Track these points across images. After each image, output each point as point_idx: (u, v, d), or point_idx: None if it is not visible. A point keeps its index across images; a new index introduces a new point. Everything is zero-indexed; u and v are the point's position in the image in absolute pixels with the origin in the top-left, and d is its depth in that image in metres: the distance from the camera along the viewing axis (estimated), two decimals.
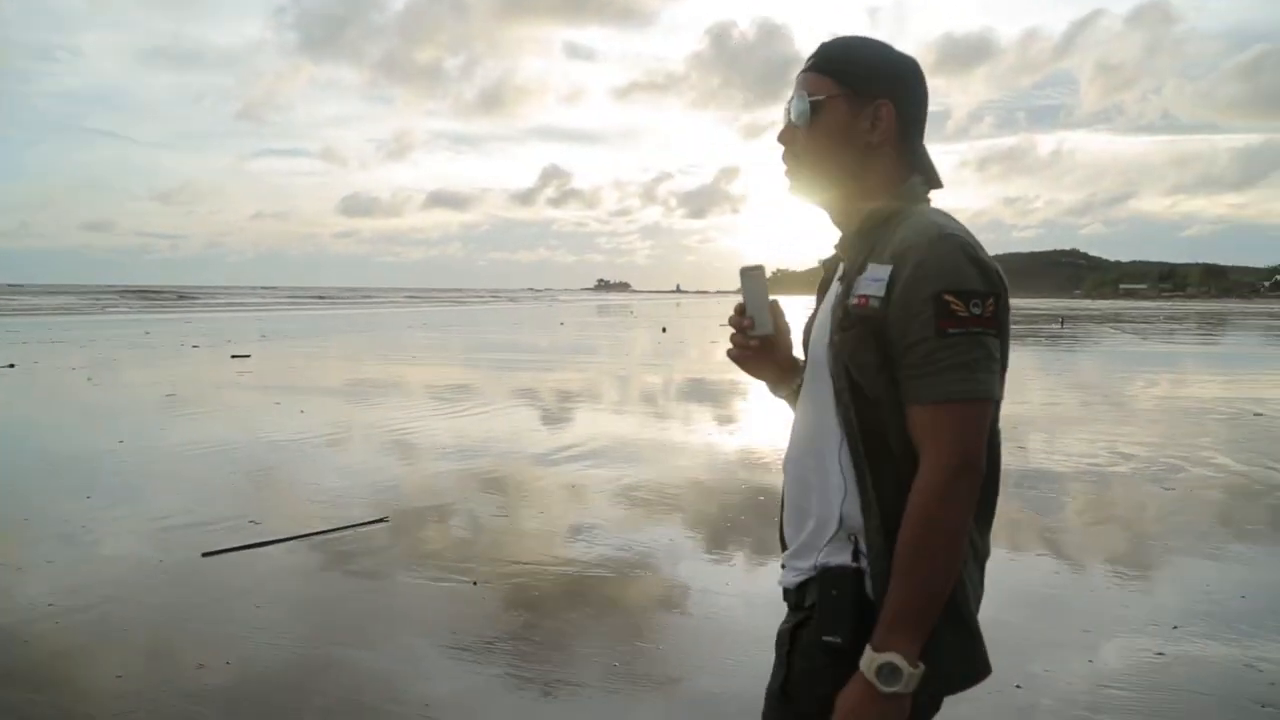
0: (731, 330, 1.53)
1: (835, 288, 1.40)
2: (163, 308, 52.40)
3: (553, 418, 10.33)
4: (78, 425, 9.54)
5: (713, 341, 26.01)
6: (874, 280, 1.27)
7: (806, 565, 1.35)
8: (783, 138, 1.44)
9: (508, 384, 13.98)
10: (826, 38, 1.47)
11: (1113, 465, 7.65)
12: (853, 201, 1.40)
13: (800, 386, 1.48)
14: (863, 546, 1.28)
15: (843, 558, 1.30)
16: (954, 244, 1.24)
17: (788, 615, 1.40)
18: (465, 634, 3.94)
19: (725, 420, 10.24)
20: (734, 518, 5.84)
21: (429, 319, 41.52)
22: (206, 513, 5.82)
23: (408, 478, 7.01)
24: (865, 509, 1.28)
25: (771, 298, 1.49)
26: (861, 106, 1.37)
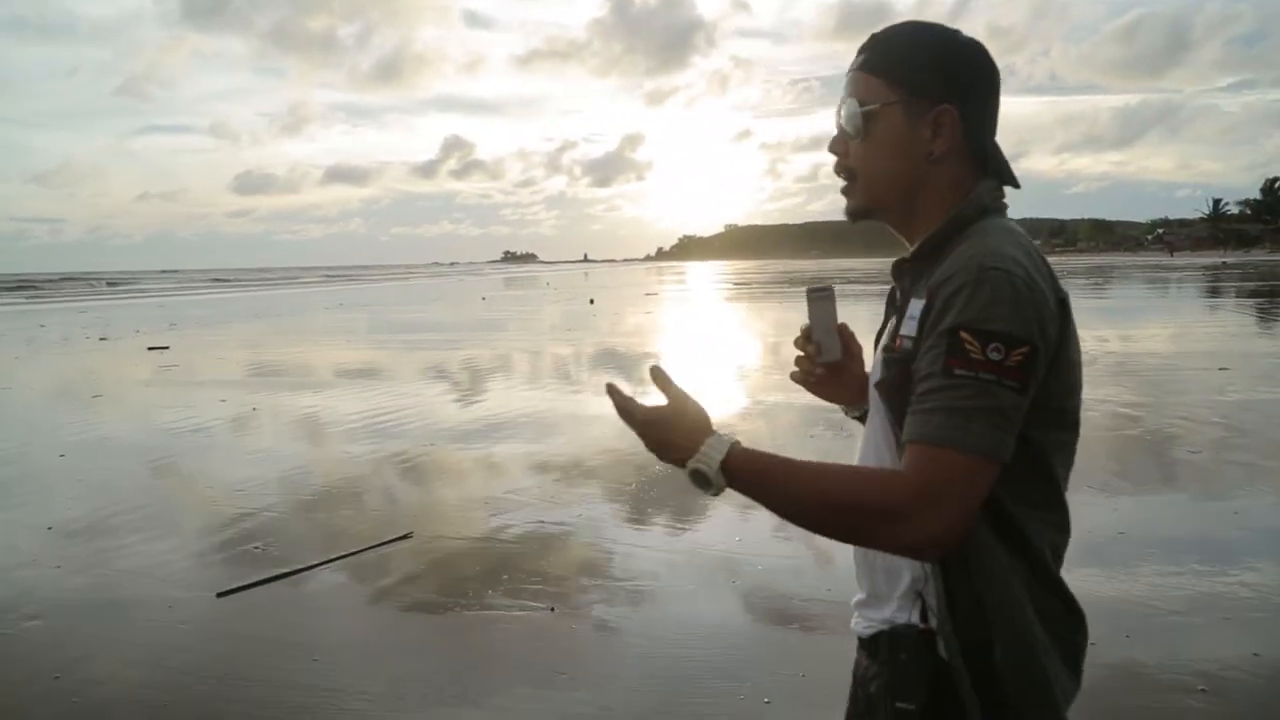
0: (798, 353, 1.43)
1: (891, 320, 1.27)
2: (50, 297, 49.10)
3: (556, 403, 9.70)
4: (2, 438, 8.47)
5: (647, 313, 25.61)
6: (910, 319, 1.17)
7: (878, 618, 1.25)
8: (835, 147, 1.29)
9: (472, 365, 13.26)
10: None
11: None
12: (916, 219, 1.25)
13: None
14: (931, 602, 1.17)
15: (912, 616, 1.20)
16: (996, 278, 1.08)
17: (863, 658, 1.29)
18: (570, 673, 3.40)
19: (734, 378, 9.80)
20: None
21: (342, 298, 39.91)
22: (200, 540, 5.08)
23: (408, 480, 6.35)
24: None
25: (841, 320, 1.38)
26: (920, 113, 1.21)
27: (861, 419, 1.41)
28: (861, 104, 1.23)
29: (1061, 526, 1.20)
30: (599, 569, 4.53)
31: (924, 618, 1.18)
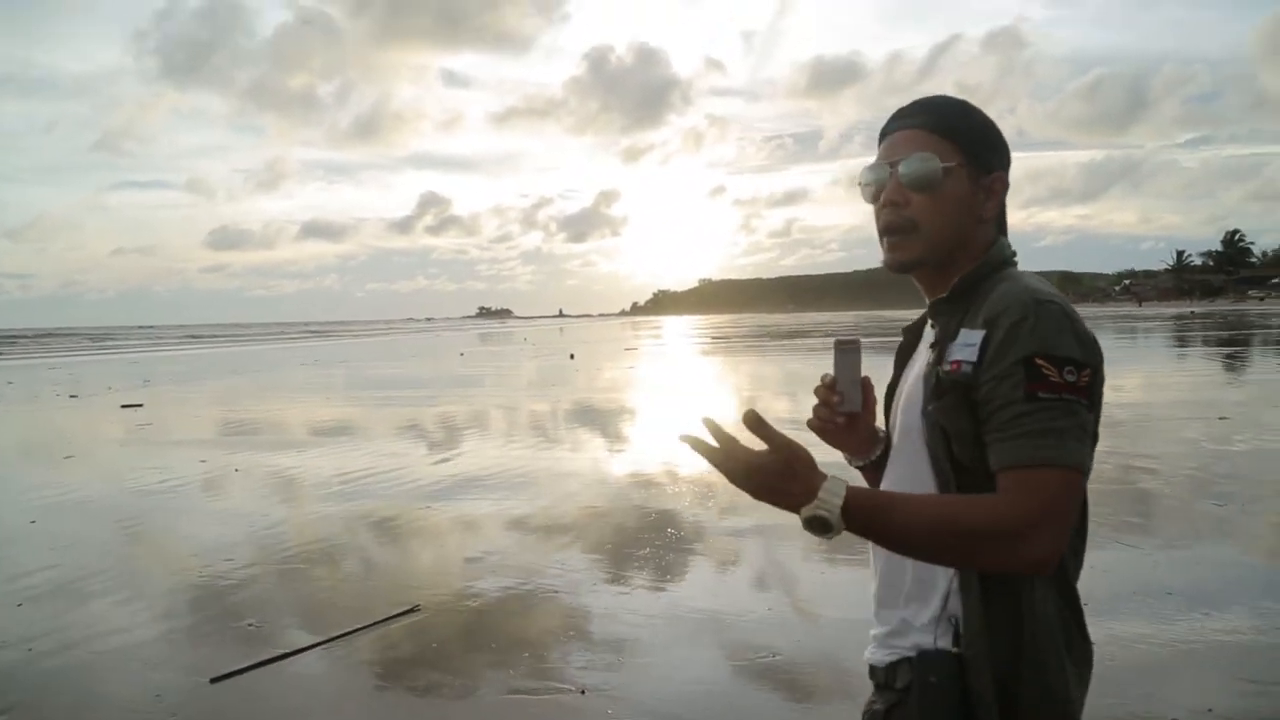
0: (817, 402, 1.45)
1: (926, 355, 1.34)
2: (19, 354, 48.07)
3: (556, 462, 9.34)
4: None
5: (630, 367, 25.37)
6: (967, 345, 1.22)
7: (903, 645, 1.28)
8: (895, 197, 1.32)
9: (461, 423, 12.88)
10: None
11: None
12: (948, 271, 1.33)
13: (879, 457, 1.45)
14: (964, 629, 1.21)
15: (943, 641, 1.23)
16: (1052, 310, 1.17)
17: (876, 694, 1.33)
18: None
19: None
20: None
21: (318, 355, 39.35)
22: (188, 617, 4.68)
23: (409, 547, 5.97)
24: (965, 586, 1.22)
25: (864, 374, 1.42)
26: (978, 177, 1.32)
27: (864, 468, 1.50)
28: (941, 160, 1.29)
29: (1081, 555, 1.28)
30: (629, 643, 4.17)
31: (955, 642, 1.21)
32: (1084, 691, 1.24)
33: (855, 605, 3.71)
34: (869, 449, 1.48)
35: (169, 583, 5.30)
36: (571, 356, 31.41)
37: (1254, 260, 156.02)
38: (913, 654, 1.25)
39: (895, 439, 1.39)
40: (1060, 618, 1.21)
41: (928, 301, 1.39)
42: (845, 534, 1.14)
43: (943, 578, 1.24)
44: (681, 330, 75.35)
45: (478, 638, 4.31)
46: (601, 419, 13.11)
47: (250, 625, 4.49)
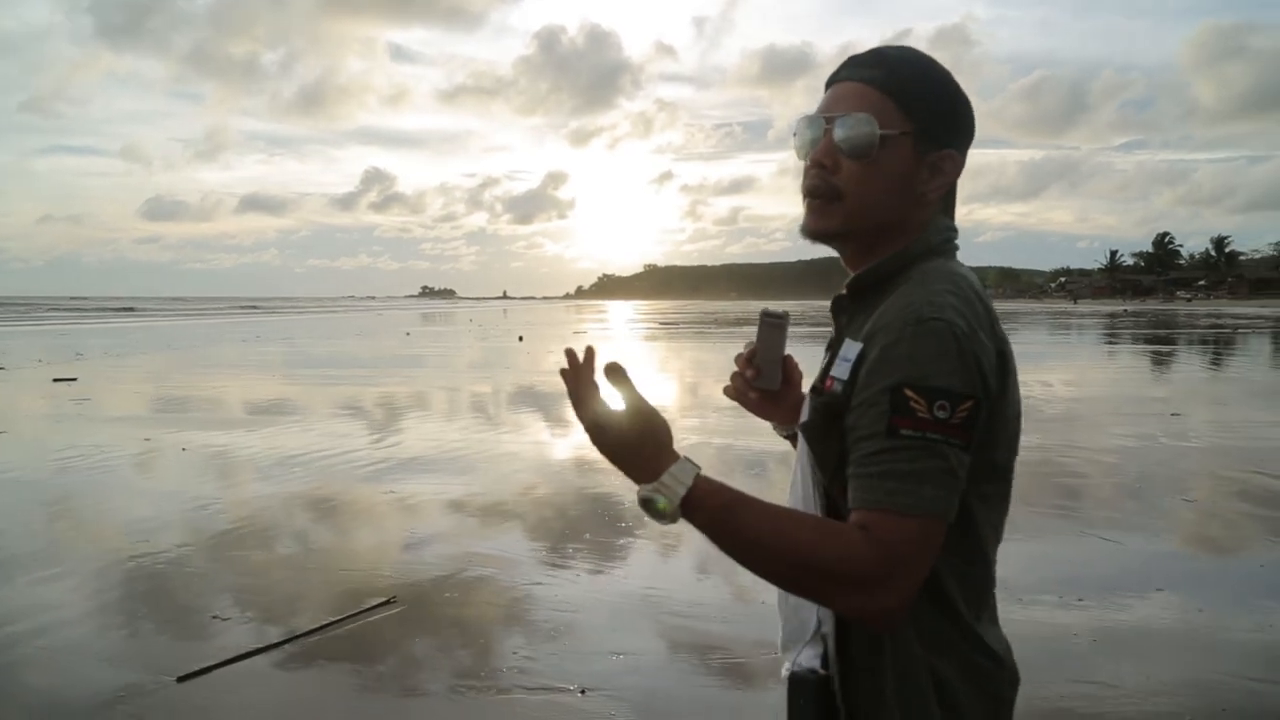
0: (735, 369, 1.35)
1: (825, 357, 1.18)
2: None
3: (509, 444, 9.09)
4: None
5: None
6: (844, 361, 1.10)
7: (789, 660, 1.19)
8: (824, 158, 1.15)
9: (415, 403, 12.54)
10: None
11: None
12: (873, 250, 1.17)
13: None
14: (831, 649, 1.12)
15: (814, 662, 1.15)
16: (937, 329, 1.01)
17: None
18: None
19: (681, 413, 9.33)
20: None
21: (258, 330, 38.31)
22: (149, 609, 4.38)
23: (379, 531, 5.71)
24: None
25: (787, 352, 1.32)
26: (926, 152, 1.14)
27: (791, 439, 1.37)
28: (880, 125, 1.12)
29: (981, 579, 1.14)
30: (628, 636, 4.00)
31: (825, 664, 1.13)
32: (992, 706, 1.13)
33: None
34: (794, 419, 1.32)
35: (122, 571, 4.97)
36: (520, 339, 31.05)
37: (1182, 262, 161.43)
38: (792, 670, 1.18)
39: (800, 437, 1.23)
40: (936, 641, 1.09)
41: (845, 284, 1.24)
42: None
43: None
44: (628, 315, 75.20)
45: (461, 631, 4.11)
46: (548, 401, 12.88)
47: (215, 618, 4.22)
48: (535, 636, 4.01)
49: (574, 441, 9.10)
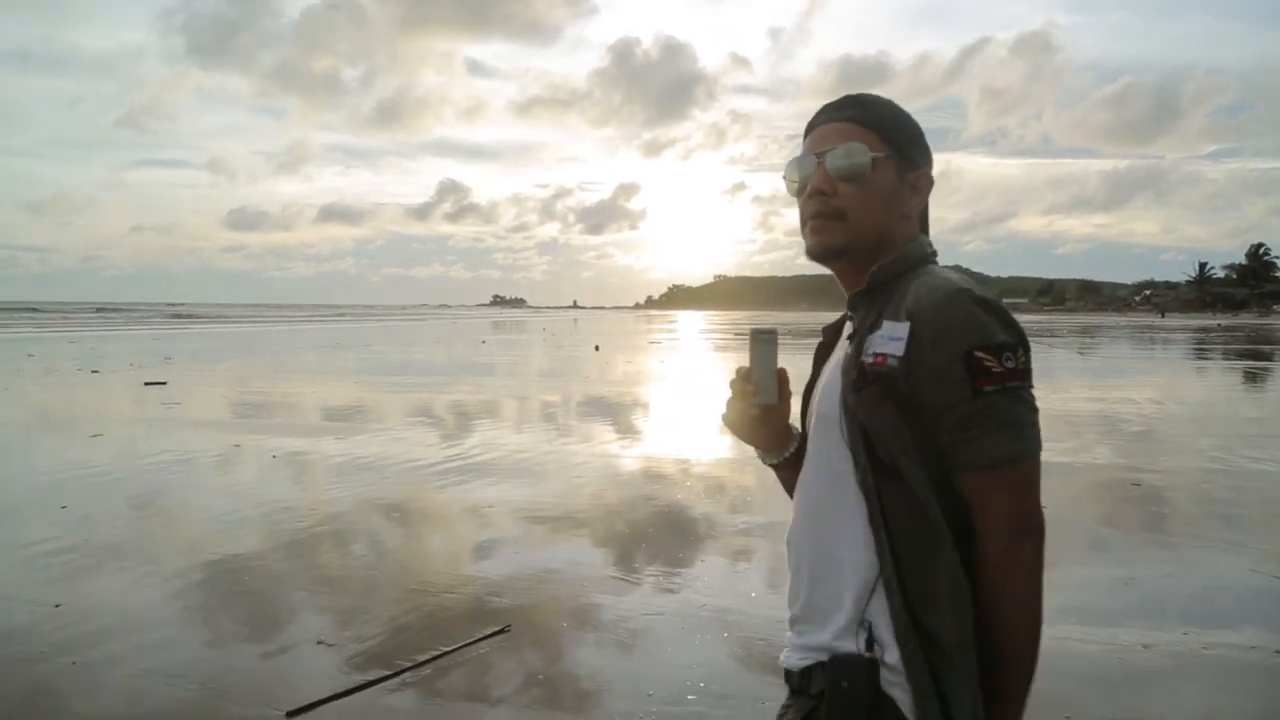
0: (731, 394, 1.42)
1: (844, 347, 1.32)
2: (37, 325, 47.81)
3: (618, 459, 8.74)
4: None
5: (660, 361, 24.82)
6: (892, 339, 1.20)
7: (815, 648, 1.24)
8: (823, 185, 1.30)
9: (509, 414, 12.32)
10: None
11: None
12: (868, 264, 1.31)
13: (793, 455, 1.44)
14: (879, 633, 1.18)
15: (858, 644, 1.19)
16: (970, 299, 1.17)
17: (790, 699, 1.29)
18: None
19: None
20: None
21: (337, 337, 38.88)
22: (251, 632, 4.11)
23: (484, 551, 5.38)
24: (886, 586, 1.18)
25: (780, 365, 1.40)
26: (905, 173, 1.32)
27: (778, 466, 1.47)
28: (871, 150, 1.29)
29: None
30: (769, 664, 3.58)
31: (869, 646, 1.18)
32: None
33: None
34: (784, 444, 1.46)
35: (220, 588, 4.73)
36: (596, 349, 30.86)
37: (1278, 274, 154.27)
38: (825, 657, 1.22)
39: (812, 434, 1.35)
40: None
41: (845, 296, 1.36)
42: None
43: (858, 583, 1.21)
44: (698, 325, 74.68)
45: (582, 666, 3.73)
46: (636, 412, 12.51)
47: (320, 644, 3.92)
48: (671, 684, 3.60)
49: (695, 456, 8.71)
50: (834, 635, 1.22)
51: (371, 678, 3.54)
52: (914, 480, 1.16)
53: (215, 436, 9.77)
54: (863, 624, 1.19)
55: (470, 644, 3.90)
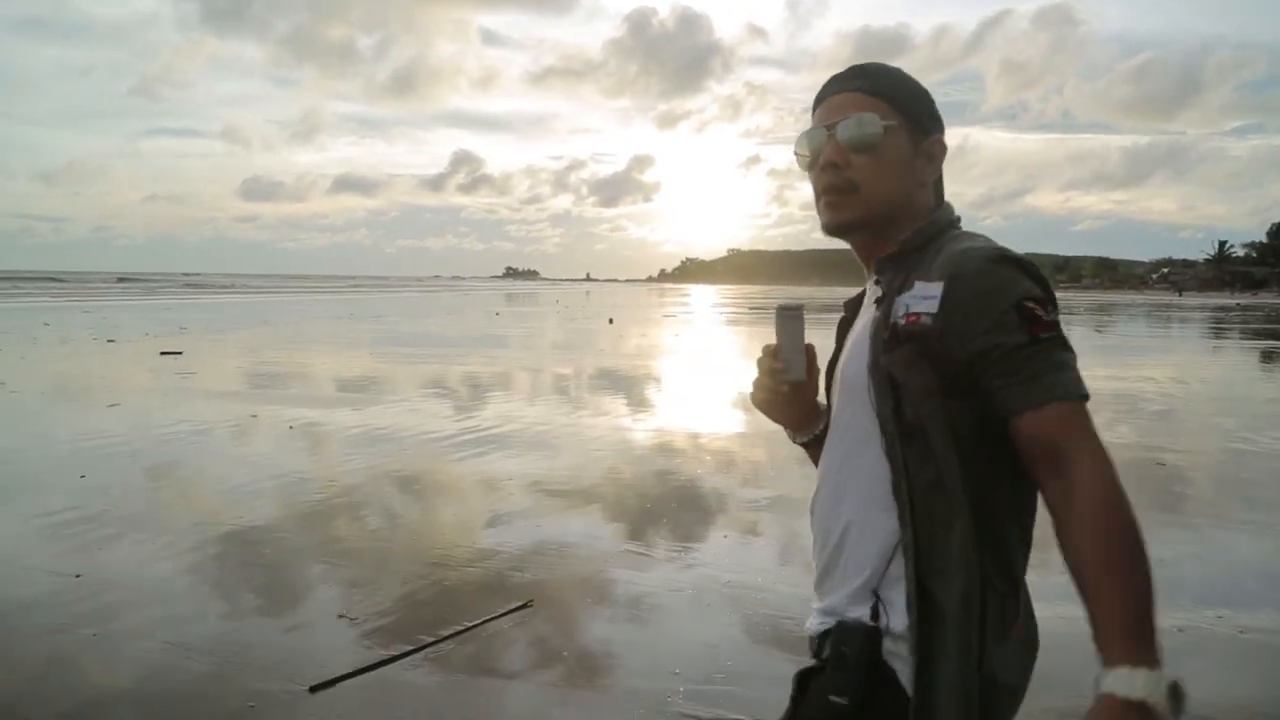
0: (759, 373, 1.40)
1: (871, 312, 1.30)
2: (53, 294, 48.06)
3: (636, 430, 8.69)
4: (12, 452, 7.44)
5: (675, 335, 24.75)
6: (925, 298, 1.19)
7: (830, 613, 1.26)
8: (836, 157, 1.29)
9: (528, 385, 12.29)
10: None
11: None
12: (886, 235, 1.31)
13: (823, 432, 1.40)
14: (891, 600, 1.19)
15: (862, 612, 1.22)
16: (1014, 259, 1.18)
17: (809, 660, 1.32)
18: None
19: None
20: None
21: (352, 308, 38.93)
22: (274, 606, 4.08)
23: (504, 523, 5.34)
24: (905, 554, 1.19)
25: (808, 342, 1.38)
26: (919, 141, 1.31)
27: (806, 445, 1.47)
28: (882, 119, 1.27)
29: (1029, 542, 1.23)
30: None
31: (874, 615, 1.20)
32: (1019, 676, 1.21)
33: None
34: (812, 423, 1.45)
35: (241, 560, 4.70)
36: (610, 321, 30.80)
37: None
38: (833, 623, 1.24)
39: (836, 403, 1.34)
40: (998, 611, 1.15)
41: (863, 266, 1.37)
42: None
43: (878, 550, 1.21)
44: (712, 299, 74.43)
45: (609, 642, 3.69)
46: (691, 387, 12.46)
47: (344, 618, 3.89)
48: (696, 663, 3.55)
49: (717, 430, 8.66)
50: (848, 601, 1.24)
51: (394, 653, 3.50)
52: (938, 442, 1.16)
53: (231, 407, 9.76)
54: (871, 593, 1.21)
55: (493, 619, 3.85)
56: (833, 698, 1.20)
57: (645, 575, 4.48)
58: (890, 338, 1.22)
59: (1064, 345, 1.15)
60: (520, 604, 4.02)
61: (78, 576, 4.33)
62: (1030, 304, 1.14)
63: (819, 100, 1.35)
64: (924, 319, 1.19)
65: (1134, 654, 0.99)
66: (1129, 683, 0.98)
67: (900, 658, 1.18)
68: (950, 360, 1.16)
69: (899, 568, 1.19)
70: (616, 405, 10.56)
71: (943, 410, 1.16)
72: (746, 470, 6.95)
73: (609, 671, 3.44)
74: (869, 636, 1.20)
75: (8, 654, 3.51)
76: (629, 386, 12.61)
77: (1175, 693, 0.98)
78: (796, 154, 1.37)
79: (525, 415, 9.53)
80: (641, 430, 8.74)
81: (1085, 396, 1.14)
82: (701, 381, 13.57)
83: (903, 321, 1.21)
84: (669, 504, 5.85)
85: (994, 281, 1.15)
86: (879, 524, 1.22)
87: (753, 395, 1.44)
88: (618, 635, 3.78)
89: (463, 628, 3.75)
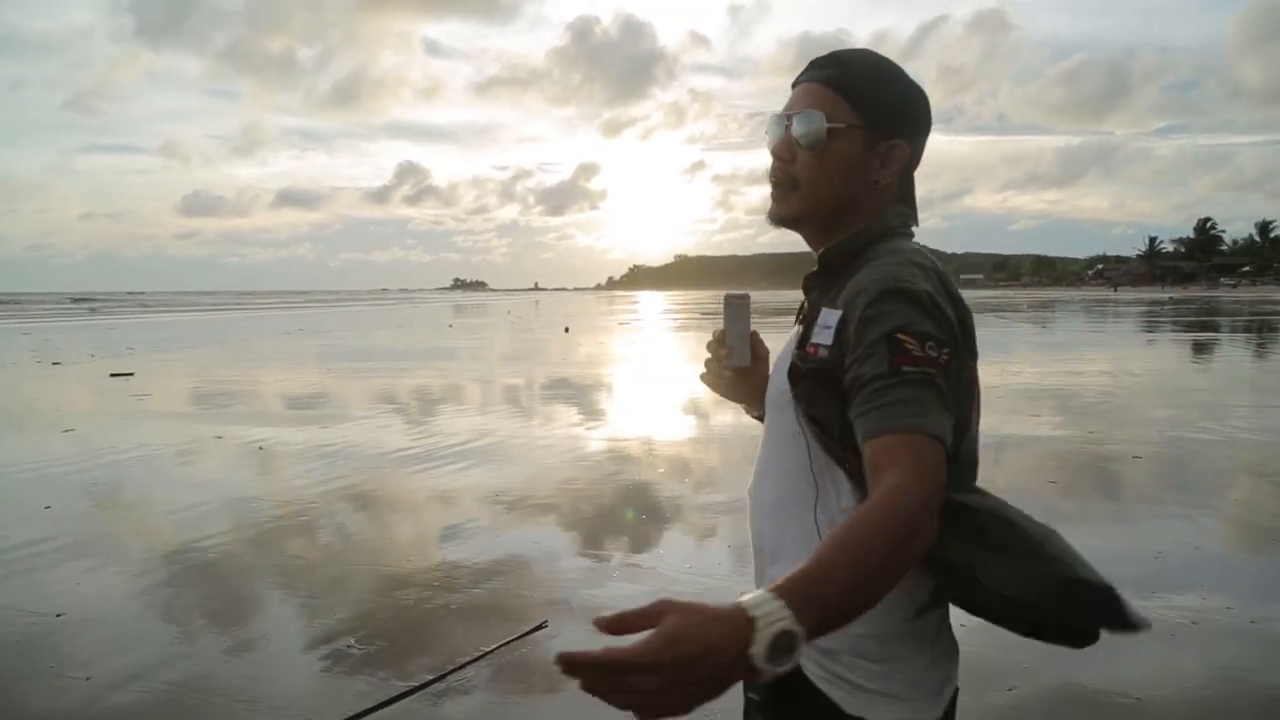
0: (708, 355, 1.49)
1: (796, 328, 1.30)
2: None
3: (613, 440, 8.58)
4: None
5: (632, 342, 24.71)
6: (825, 328, 1.19)
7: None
8: (781, 152, 1.28)
9: (491, 393, 12.10)
10: (839, 46, 1.51)
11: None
12: (834, 233, 1.29)
13: None
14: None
15: None
16: (912, 293, 1.13)
17: None
18: None
19: None
20: None
21: (301, 323, 38.19)
22: (274, 637, 3.90)
23: (504, 541, 5.18)
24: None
25: (753, 328, 1.44)
26: (875, 143, 1.25)
27: (760, 417, 1.44)
28: (828, 119, 1.24)
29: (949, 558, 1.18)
30: None
31: None
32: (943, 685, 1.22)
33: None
34: (763, 400, 1.41)
35: (233, 593, 4.50)
36: (566, 330, 30.66)
37: (1224, 248, 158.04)
38: None
39: (766, 408, 1.34)
40: (916, 606, 1.16)
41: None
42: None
43: (797, 546, 1.18)
44: (662, 305, 74.58)
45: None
46: (664, 393, 12.37)
47: (350, 648, 3.72)
48: None
49: (691, 436, 8.57)
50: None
51: (414, 684, 3.35)
52: (854, 462, 1.14)
53: (194, 428, 9.44)
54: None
55: (510, 642, 3.73)
56: (748, 694, 1.29)
57: (647, 590, 4.39)
58: (793, 369, 1.22)
59: (927, 383, 1.08)
60: (534, 626, 3.90)
61: (59, 616, 4.10)
62: (903, 336, 1.10)
63: (795, 83, 1.32)
64: (821, 351, 1.18)
65: (788, 592, 0.90)
66: (759, 600, 0.89)
67: (814, 661, 1.19)
68: (844, 389, 1.15)
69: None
70: (614, 414, 10.45)
71: (853, 434, 1.13)
72: (746, 474, 6.89)
73: None
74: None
75: (4, 700, 3.29)
76: (589, 395, 12.50)
77: (781, 641, 0.87)
78: (765, 134, 1.33)
79: (525, 428, 9.37)
80: (657, 439, 8.64)
81: (929, 432, 1.05)
82: (675, 387, 13.53)
83: (809, 352, 1.20)
84: (677, 514, 5.77)
85: (874, 311, 1.13)
86: (810, 530, 1.21)
87: (702, 375, 1.51)
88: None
89: (480, 654, 3.62)
